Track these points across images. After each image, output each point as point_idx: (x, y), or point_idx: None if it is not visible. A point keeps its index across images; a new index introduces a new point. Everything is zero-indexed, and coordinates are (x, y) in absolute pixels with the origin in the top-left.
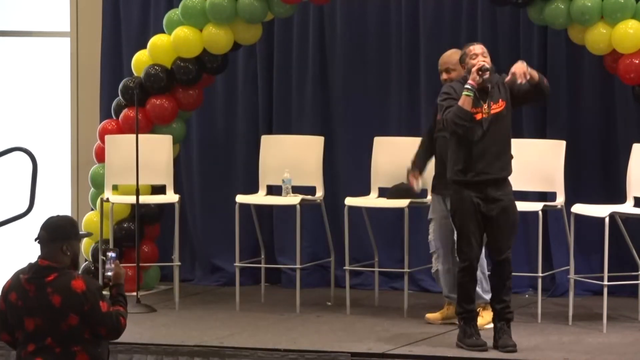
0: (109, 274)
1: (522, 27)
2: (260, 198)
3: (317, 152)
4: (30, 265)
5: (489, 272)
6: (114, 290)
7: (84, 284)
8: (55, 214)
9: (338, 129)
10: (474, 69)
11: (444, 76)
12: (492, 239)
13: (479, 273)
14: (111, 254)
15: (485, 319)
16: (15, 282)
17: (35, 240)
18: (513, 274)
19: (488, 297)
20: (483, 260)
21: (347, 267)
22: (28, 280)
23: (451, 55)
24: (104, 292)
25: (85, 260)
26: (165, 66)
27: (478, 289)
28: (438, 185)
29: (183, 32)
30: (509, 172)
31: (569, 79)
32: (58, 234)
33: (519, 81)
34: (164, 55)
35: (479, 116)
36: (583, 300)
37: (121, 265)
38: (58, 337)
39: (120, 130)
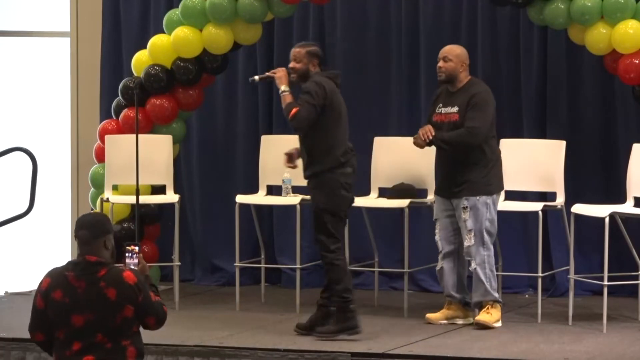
0: (133, 267)
1: (522, 27)
2: (260, 198)
3: None
4: (75, 263)
5: None
6: (146, 282)
7: (134, 275)
8: (87, 213)
9: None
10: None
11: (440, 64)
12: None
13: (487, 271)
14: (135, 248)
15: (493, 316)
16: (59, 280)
17: (76, 239)
18: (513, 273)
19: (496, 294)
20: (490, 258)
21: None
22: (77, 277)
23: (452, 47)
24: None
25: None
26: (165, 66)
27: (486, 285)
28: (442, 186)
29: (183, 32)
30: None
31: (569, 79)
32: (100, 230)
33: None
34: (164, 55)
35: None
36: (583, 300)
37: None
38: (109, 332)
39: (120, 130)
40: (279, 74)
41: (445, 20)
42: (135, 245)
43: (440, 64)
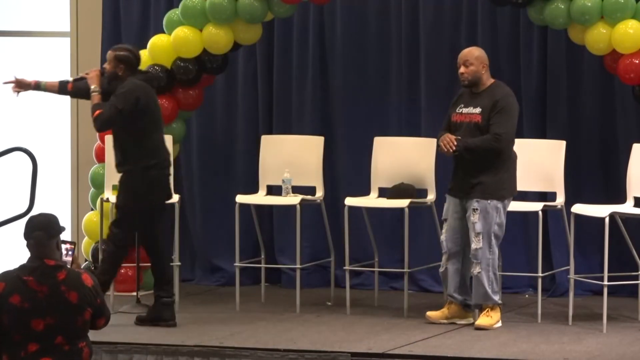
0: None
1: (522, 27)
2: (260, 198)
3: (317, 152)
4: (32, 267)
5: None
6: None
7: (90, 277)
8: (37, 214)
9: (338, 129)
10: None
11: (462, 69)
12: None
13: (490, 274)
14: (72, 245)
15: (493, 318)
16: (16, 285)
17: (29, 240)
18: (513, 273)
19: (497, 297)
20: (495, 261)
21: (347, 267)
22: (38, 281)
23: (471, 50)
24: None
25: (85, 261)
26: (165, 66)
27: (488, 289)
28: (455, 187)
29: (183, 32)
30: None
31: (569, 79)
32: (54, 231)
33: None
34: (164, 55)
35: None
36: (583, 300)
37: (121, 265)
38: (69, 335)
39: None
40: (91, 74)
41: (445, 20)
42: (71, 243)
43: (462, 69)
